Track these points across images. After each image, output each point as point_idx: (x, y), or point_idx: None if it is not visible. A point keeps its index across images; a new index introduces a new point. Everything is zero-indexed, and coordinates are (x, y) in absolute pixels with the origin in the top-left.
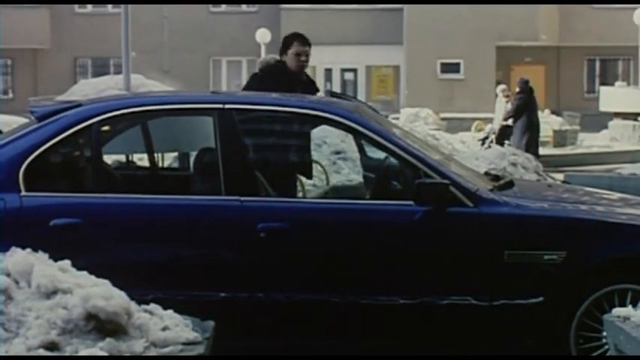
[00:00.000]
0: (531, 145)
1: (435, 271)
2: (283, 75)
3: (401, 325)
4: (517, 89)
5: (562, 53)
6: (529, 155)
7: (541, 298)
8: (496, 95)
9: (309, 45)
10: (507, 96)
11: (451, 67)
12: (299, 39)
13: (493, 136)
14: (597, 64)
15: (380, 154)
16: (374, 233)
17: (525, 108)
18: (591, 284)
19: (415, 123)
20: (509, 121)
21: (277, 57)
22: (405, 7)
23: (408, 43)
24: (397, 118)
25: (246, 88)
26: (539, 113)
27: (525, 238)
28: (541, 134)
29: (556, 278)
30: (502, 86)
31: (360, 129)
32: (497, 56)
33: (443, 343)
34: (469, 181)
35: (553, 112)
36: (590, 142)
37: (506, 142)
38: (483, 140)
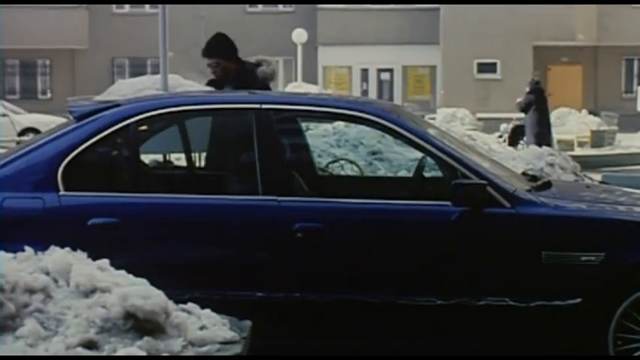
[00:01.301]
0: (543, 144)
1: (471, 272)
2: (215, 82)
3: (437, 325)
4: (527, 89)
5: (599, 53)
6: (566, 155)
7: (579, 300)
8: None
9: (215, 55)
10: None
11: (487, 67)
12: (202, 52)
13: (506, 135)
14: (635, 64)
15: None
16: (410, 234)
17: (529, 107)
18: (629, 286)
19: (452, 123)
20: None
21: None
22: (442, 7)
23: (445, 43)
24: (433, 119)
25: None
26: (582, 116)
27: (563, 239)
28: (578, 134)
29: (594, 279)
30: None
31: (397, 129)
32: (533, 56)
33: (479, 344)
34: (506, 181)
35: (590, 113)
36: (628, 142)
37: (521, 141)
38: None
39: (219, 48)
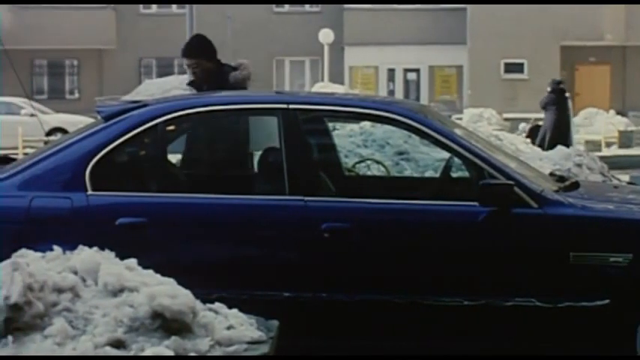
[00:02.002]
0: (558, 143)
1: (499, 273)
2: (193, 84)
3: (465, 326)
4: (548, 88)
5: (628, 53)
6: (594, 156)
7: (607, 301)
8: None
9: (195, 56)
10: (567, 97)
11: (515, 67)
12: (183, 52)
13: (524, 135)
14: None
15: None
16: (437, 234)
17: (549, 106)
18: None
19: (478, 123)
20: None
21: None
22: (468, 6)
23: (472, 43)
24: (460, 119)
25: None
26: (609, 116)
27: (591, 239)
28: (606, 135)
29: (622, 281)
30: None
31: (424, 129)
32: (561, 56)
33: (506, 344)
34: (534, 182)
35: (618, 113)
36: None
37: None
38: None
39: (200, 48)
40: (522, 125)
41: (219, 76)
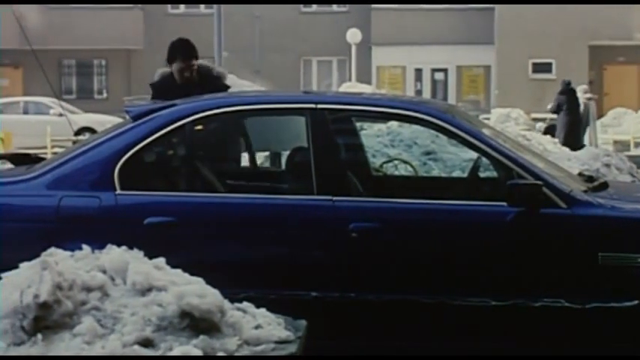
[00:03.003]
0: (571, 142)
1: (527, 273)
2: (171, 87)
3: (492, 326)
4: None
5: None
6: (623, 156)
7: (636, 302)
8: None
9: (195, 57)
10: (590, 98)
11: (543, 67)
12: (181, 54)
13: (539, 133)
14: None
15: None
16: (465, 234)
17: (560, 108)
18: None
19: (506, 123)
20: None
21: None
22: (496, 6)
23: (499, 43)
24: (488, 119)
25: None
26: (638, 116)
27: (620, 240)
28: (635, 135)
29: None
30: (582, 86)
31: (452, 129)
32: (589, 56)
33: (534, 345)
34: (562, 182)
35: None
36: None
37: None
38: None
39: (195, 50)
40: (539, 125)
41: (208, 77)
